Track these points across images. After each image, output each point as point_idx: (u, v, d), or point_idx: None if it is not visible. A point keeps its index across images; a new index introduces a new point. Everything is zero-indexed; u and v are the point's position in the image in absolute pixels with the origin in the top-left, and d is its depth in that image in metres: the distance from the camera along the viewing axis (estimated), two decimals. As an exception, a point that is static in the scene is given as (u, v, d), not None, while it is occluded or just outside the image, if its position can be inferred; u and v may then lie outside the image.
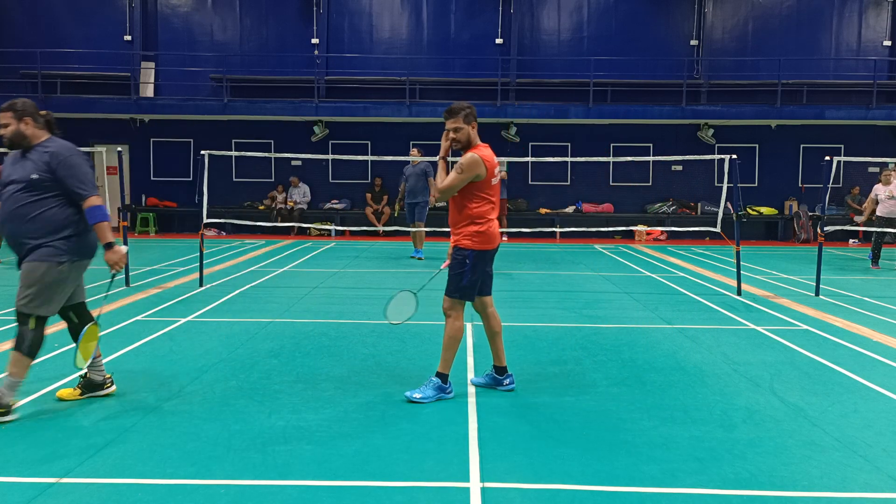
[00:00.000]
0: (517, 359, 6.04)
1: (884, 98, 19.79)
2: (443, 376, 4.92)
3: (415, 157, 12.89)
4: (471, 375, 5.48)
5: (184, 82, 20.39)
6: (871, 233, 18.66)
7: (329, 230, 19.12)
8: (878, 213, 13.06)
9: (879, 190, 13.12)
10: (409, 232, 13.73)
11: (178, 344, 6.43)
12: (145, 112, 19.68)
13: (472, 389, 5.13)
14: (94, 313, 4.84)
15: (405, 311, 5.24)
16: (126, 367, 5.60)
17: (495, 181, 4.98)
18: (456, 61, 20.34)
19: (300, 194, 19.90)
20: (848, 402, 4.93)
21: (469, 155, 4.86)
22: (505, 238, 18.12)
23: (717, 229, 10.23)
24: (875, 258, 13.14)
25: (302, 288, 9.88)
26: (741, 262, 9.94)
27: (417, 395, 4.84)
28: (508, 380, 5.18)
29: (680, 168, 20.13)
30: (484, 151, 4.91)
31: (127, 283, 9.70)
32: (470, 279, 4.92)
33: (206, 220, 10.48)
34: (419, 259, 13.27)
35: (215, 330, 7.05)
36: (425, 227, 13.35)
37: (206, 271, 10.33)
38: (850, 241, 18.84)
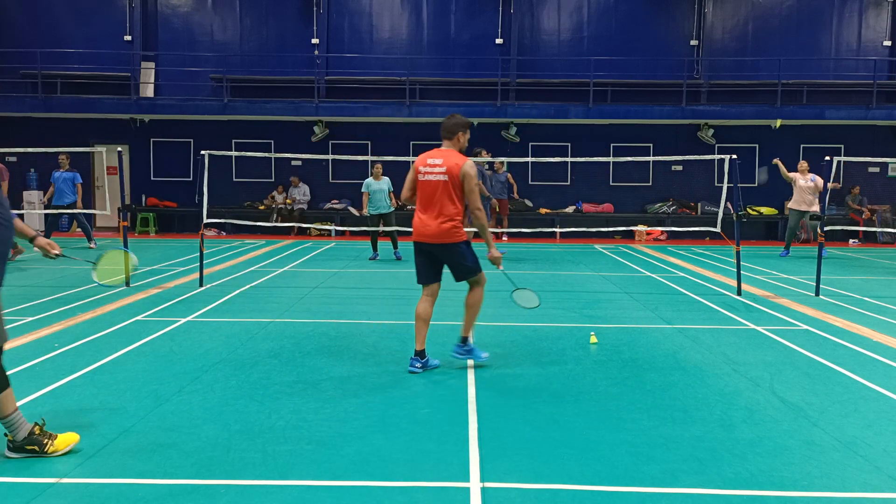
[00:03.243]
0: (517, 359, 6.04)
1: (884, 98, 19.78)
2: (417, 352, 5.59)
3: (485, 159, 13.13)
4: (471, 378, 5.48)
5: (184, 82, 20.39)
6: (872, 233, 18.81)
7: (329, 230, 19.12)
8: None
9: None
10: (406, 232, 13.92)
11: (178, 344, 6.43)
12: (145, 112, 19.67)
13: (472, 390, 5.13)
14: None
15: (531, 300, 6.04)
16: (126, 367, 5.60)
17: (423, 178, 5.54)
18: (456, 61, 20.34)
19: (300, 193, 19.91)
20: (848, 402, 4.93)
21: None
22: (504, 238, 18.11)
23: (717, 229, 10.23)
24: None
25: (302, 288, 9.88)
26: (741, 262, 9.93)
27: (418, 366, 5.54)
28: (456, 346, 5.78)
29: (680, 168, 20.12)
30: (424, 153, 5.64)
31: (127, 283, 9.68)
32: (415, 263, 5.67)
33: (206, 220, 10.47)
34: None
35: (215, 330, 7.05)
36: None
37: (206, 271, 10.33)
38: (851, 241, 18.84)
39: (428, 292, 5.62)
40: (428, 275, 5.61)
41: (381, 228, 13.40)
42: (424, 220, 5.49)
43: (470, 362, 5.85)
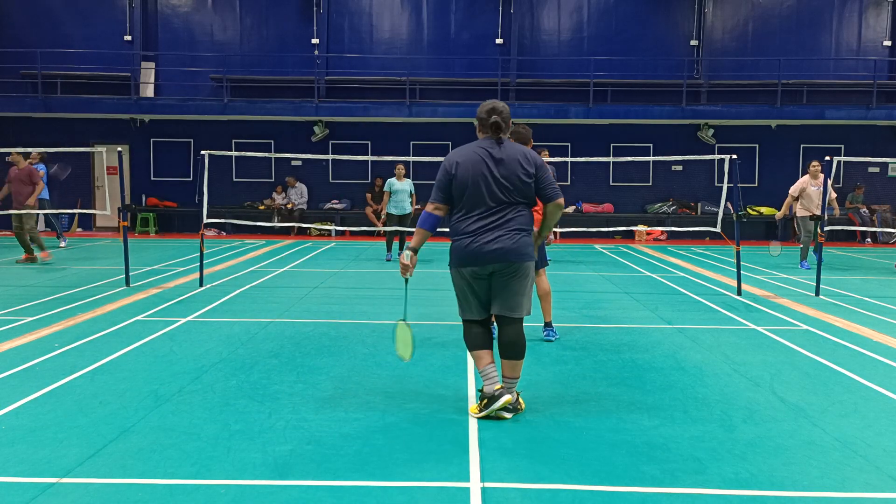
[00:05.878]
0: (517, 359, 6.04)
1: (884, 98, 19.79)
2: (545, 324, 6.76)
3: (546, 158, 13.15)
4: (471, 378, 5.49)
5: (184, 82, 20.40)
6: (879, 234, 18.87)
7: (329, 230, 19.12)
8: None
9: None
10: (407, 232, 13.89)
11: (178, 344, 6.43)
12: (145, 112, 19.68)
13: (472, 390, 5.13)
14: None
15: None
16: (126, 367, 5.60)
17: None
18: (456, 61, 20.34)
19: (297, 194, 19.90)
20: (848, 402, 4.93)
21: None
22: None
23: (718, 229, 10.23)
24: None
25: (302, 288, 9.88)
26: (741, 262, 9.94)
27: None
28: (546, 332, 6.72)
29: (680, 168, 20.13)
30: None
31: (127, 283, 9.70)
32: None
33: (206, 220, 10.48)
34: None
35: (215, 330, 7.05)
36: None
37: (206, 271, 10.33)
38: (867, 239, 18.94)
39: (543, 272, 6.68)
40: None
41: (397, 229, 13.29)
42: None
43: (470, 362, 5.86)
